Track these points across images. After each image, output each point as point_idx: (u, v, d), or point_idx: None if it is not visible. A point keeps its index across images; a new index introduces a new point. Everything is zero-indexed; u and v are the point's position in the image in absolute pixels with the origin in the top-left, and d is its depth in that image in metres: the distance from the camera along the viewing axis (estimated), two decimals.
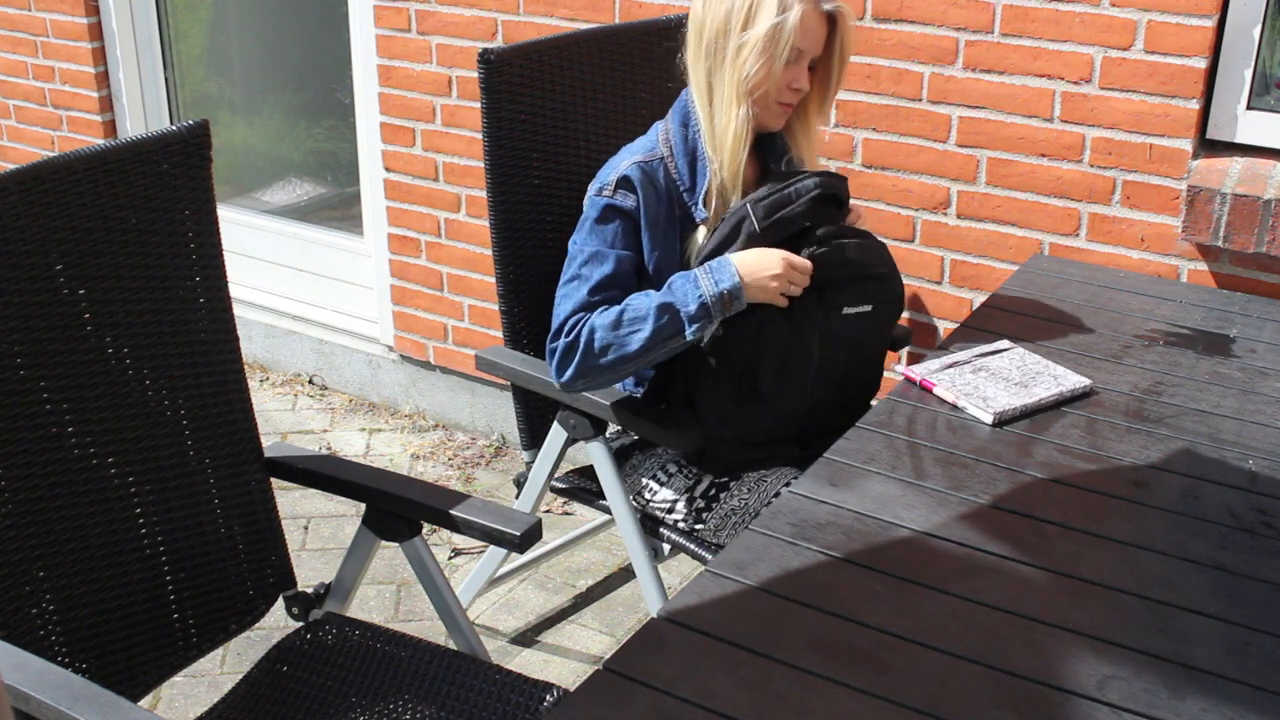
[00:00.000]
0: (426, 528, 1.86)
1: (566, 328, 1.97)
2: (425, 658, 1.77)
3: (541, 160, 2.25)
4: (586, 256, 1.99)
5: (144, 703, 1.74)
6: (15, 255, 1.53)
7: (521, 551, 1.82)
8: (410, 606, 2.74)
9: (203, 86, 3.92)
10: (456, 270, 3.28)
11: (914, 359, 2.63)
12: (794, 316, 1.94)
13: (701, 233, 2.01)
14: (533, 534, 1.73)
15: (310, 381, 3.71)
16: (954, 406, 1.86)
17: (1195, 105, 2.31)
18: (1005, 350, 2.02)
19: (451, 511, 1.75)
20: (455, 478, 3.24)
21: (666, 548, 2.25)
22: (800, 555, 1.49)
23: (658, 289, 1.95)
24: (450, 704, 1.69)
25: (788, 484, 1.89)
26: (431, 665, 1.76)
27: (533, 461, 2.29)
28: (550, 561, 2.86)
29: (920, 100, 2.54)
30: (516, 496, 2.34)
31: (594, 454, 2.15)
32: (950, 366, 1.95)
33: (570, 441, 2.20)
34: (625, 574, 2.85)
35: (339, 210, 3.74)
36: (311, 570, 2.84)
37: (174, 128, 1.70)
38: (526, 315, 2.26)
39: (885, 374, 2.18)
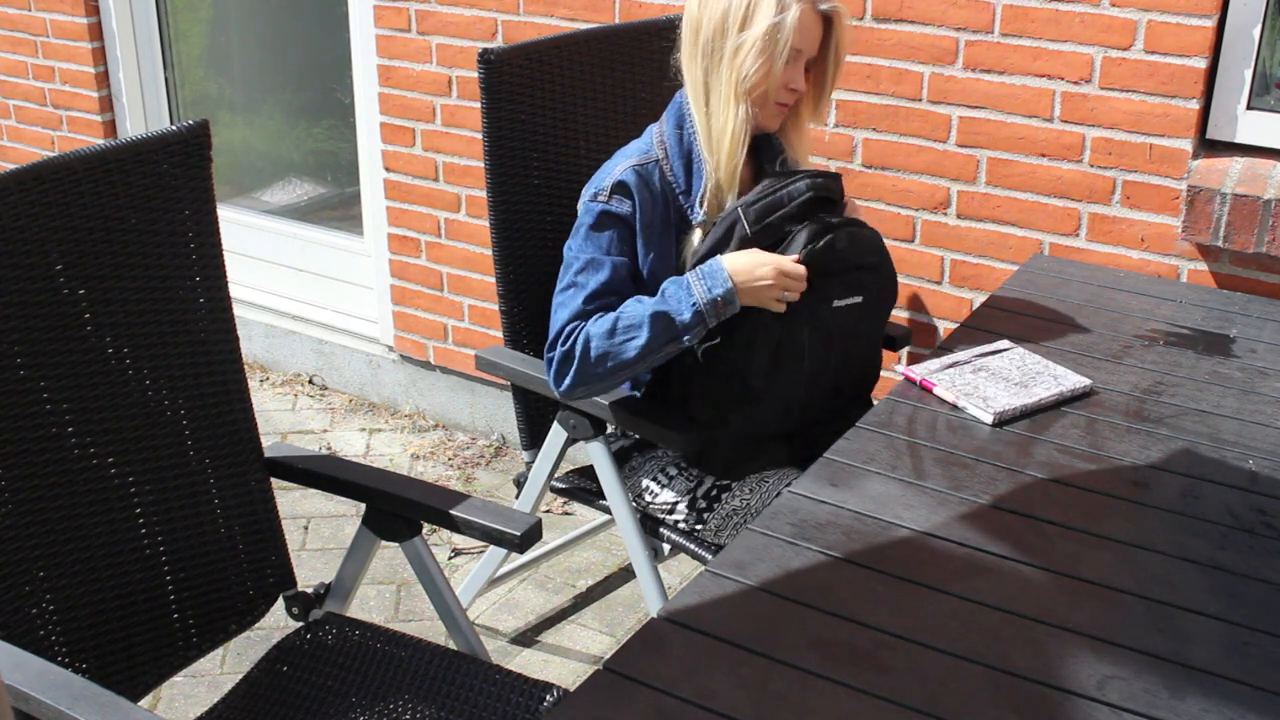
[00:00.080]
0: (426, 528, 1.86)
1: (562, 336, 1.97)
2: (425, 658, 1.77)
3: (541, 160, 2.25)
4: (582, 264, 1.99)
5: (144, 703, 1.74)
6: (15, 255, 1.53)
7: (521, 551, 1.82)
8: (410, 606, 2.74)
9: (203, 86, 3.92)
10: (456, 270, 3.28)
11: (914, 359, 2.63)
12: (783, 313, 1.93)
13: (697, 235, 2.00)
14: (533, 534, 1.73)
15: (310, 381, 3.71)
16: (954, 406, 1.86)
17: (1195, 105, 2.31)
18: (1005, 350, 2.02)
19: (451, 511, 1.75)
20: (455, 478, 3.24)
21: (666, 548, 2.25)
22: (800, 555, 1.49)
23: (653, 294, 1.95)
24: (450, 704, 1.69)
25: (789, 485, 1.89)
26: (431, 665, 1.76)
27: (533, 461, 2.29)
28: (550, 561, 2.86)
29: (920, 100, 2.54)
30: (516, 496, 2.34)
31: (594, 454, 2.15)
32: (950, 366, 1.95)
33: (570, 441, 2.20)
34: (625, 574, 2.85)
35: (339, 210, 3.74)
36: (311, 570, 2.84)
37: (174, 128, 1.70)
38: (526, 315, 2.26)
39: (885, 374, 2.18)
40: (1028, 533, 1.56)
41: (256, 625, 1.85)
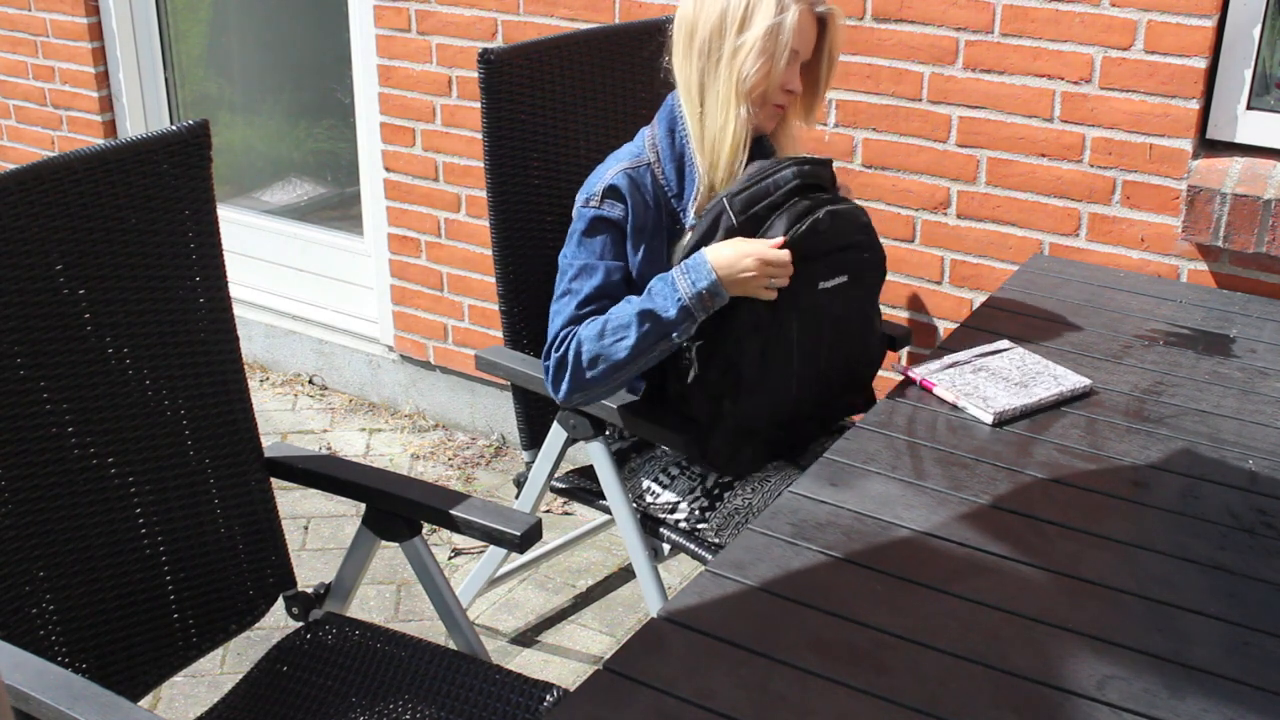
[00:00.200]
0: (426, 528, 1.86)
1: (556, 343, 1.96)
2: (425, 658, 1.77)
3: (541, 160, 2.25)
4: (576, 270, 1.99)
5: (144, 703, 1.74)
6: (15, 255, 1.53)
7: (521, 551, 1.82)
8: (410, 606, 2.74)
9: (203, 86, 3.92)
10: (456, 270, 3.28)
11: (914, 359, 2.63)
12: (766, 303, 1.90)
13: (688, 238, 2.00)
14: (533, 534, 1.73)
15: (310, 381, 3.71)
16: (954, 406, 1.86)
17: (1195, 105, 2.31)
18: (1005, 350, 2.02)
19: (451, 511, 1.75)
20: (455, 478, 3.24)
21: (666, 548, 2.25)
22: (800, 555, 1.49)
23: None
24: (450, 704, 1.69)
25: (790, 484, 1.89)
26: (431, 665, 1.76)
27: (533, 461, 2.29)
28: (550, 561, 2.86)
29: (920, 100, 2.54)
30: (516, 496, 2.34)
31: (594, 454, 2.15)
32: (950, 366, 1.95)
33: (570, 441, 2.20)
34: (625, 574, 2.85)
35: (339, 210, 3.74)
36: (311, 570, 2.84)
37: (174, 128, 1.70)
38: (526, 315, 2.26)
39: (885, 374, 2.18)
40: (1028, 533, 1.56)
41: (256, 625, 1.85)
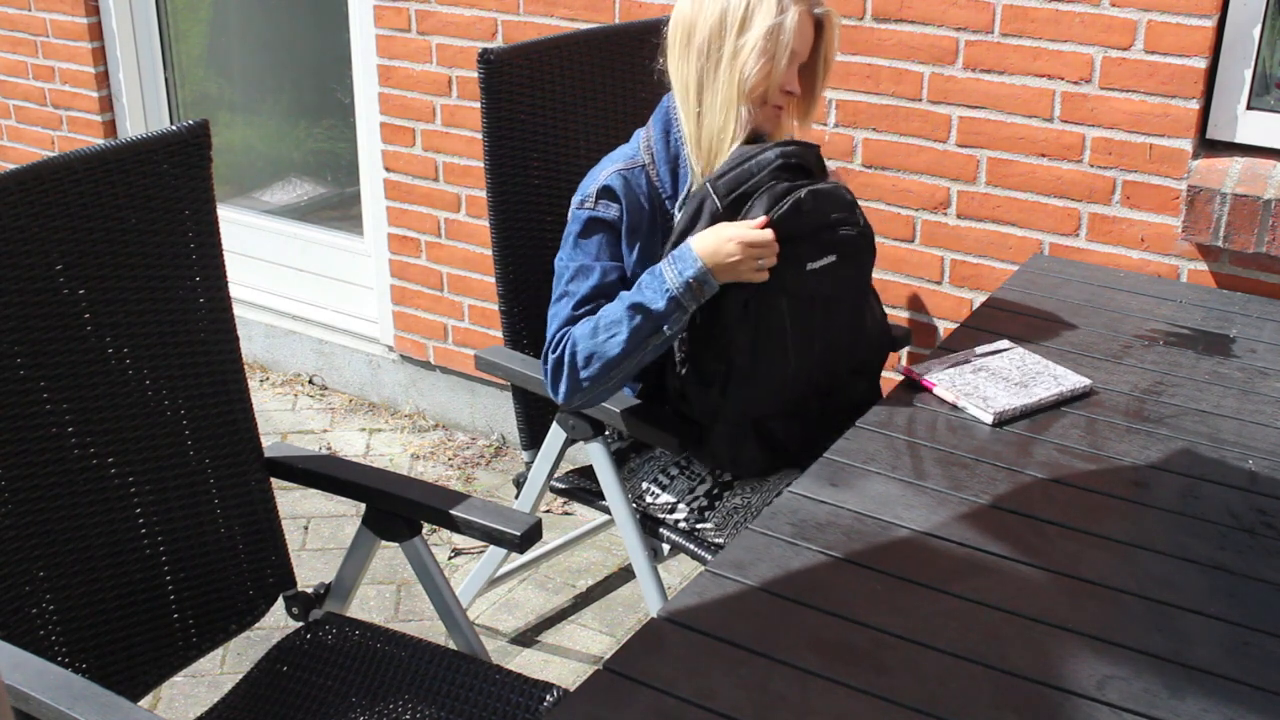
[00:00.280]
0: (426, 528, 1.86)
1: (553, 345, 1.96)
2: (425, 658, 1.77)
3: (541, 160, 2.25)
4: (572, 272, 1.98)
5: (144, 703, 1.74)
6: (15, 255, 1.53)
7: (521, 551, 1.82)
8: (410, 606, 2.74)
9: (203, 86, 3.92)
10: (456, 270, 3.28)
11: (914, 359, 2.63)
12: (754, 288, 1.88)
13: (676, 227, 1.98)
14: (533, 534, 1.73)
15: (310, 381, 3.71)
16: (954, 406, 1.86)
17: (1195, 105, 2.31)
18: (1005, 350, 2.02)
19: (451, 511, 1.75)
20: (455, 478, 3.24)
21: (666, 548, 2.25)
22: (800, 555, 1.49)
23: None
24: (450, 704, 1.69)
25: (788, 484, 1.89)
26: (431, 665, 1.76)
27: (532, 461, 2.29)
28: (550, 561, 2.86)
29: (920, 100, 2.54)
30: (516, 496, 2.34)
31: (593, 454, 2.15)
32: (950, 366, 1.95)
33: (570, 441, 2.20)
34: (625, 574, 2.85)
35: (339, 210, 3.74)
36: (311, 570, 2.84)
37: (174, 128, 1.70)
38: (526, 315, 2.26)
39: (885, 373, 2.17)
40: (1028, 533, 1.56)
41: (256, 625, 1.85)
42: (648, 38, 2.24)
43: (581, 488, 2.30)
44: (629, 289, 1.97)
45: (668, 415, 2.05)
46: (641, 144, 2.03)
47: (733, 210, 1.88)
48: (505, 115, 2.19)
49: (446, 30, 3.06)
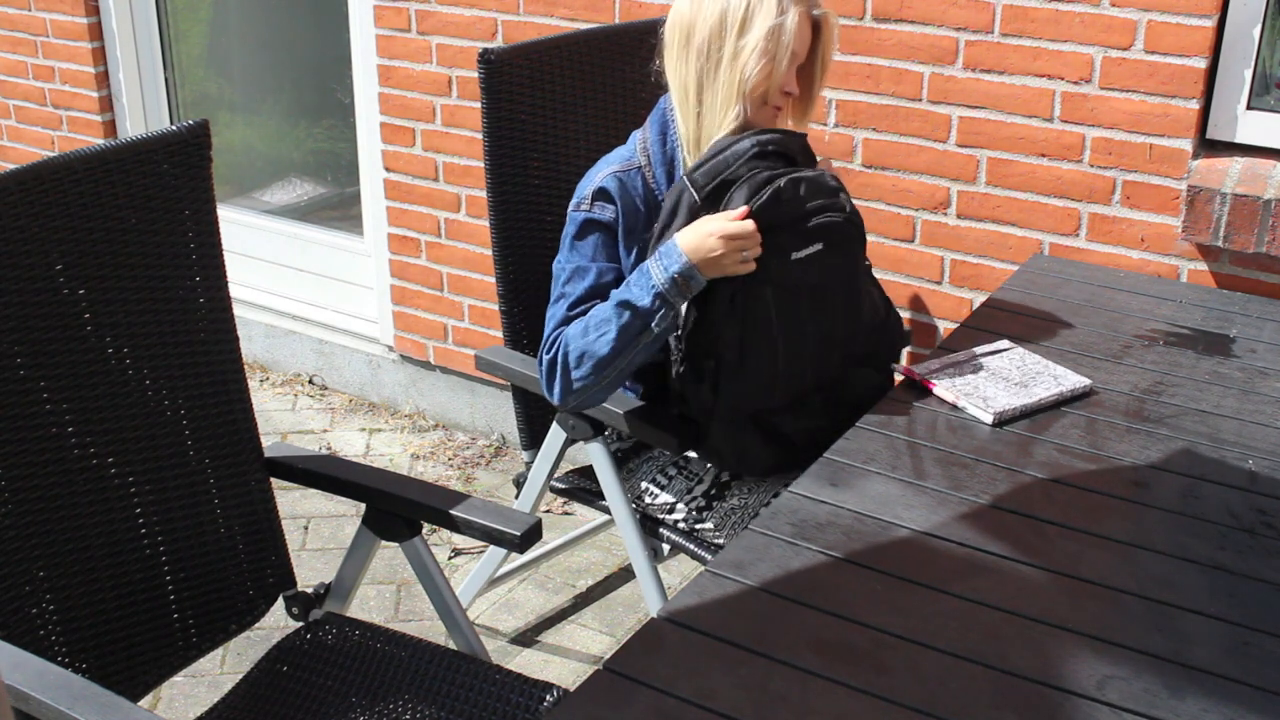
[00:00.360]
0: (426, 528, 1.86)
1: (547, 346, 1.95)
2: (425, 658, 1.77)
3: (541, 160, 2.25)
4: (569, 274, 1.98)
5: (144, 703, 1.74)
6: (15, 255, 1.53)
7: (521, 551, 1.82)
8: (410, 606, 2.74)
9: (203, 86, 3.92)
10: (456, 270, 3.28)
11: (914, 359, 2.63)
12: (739, 281, 1.86)
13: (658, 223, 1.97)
14: (533, 534, 1.72)
15: (310, 381, 3.71)
16: (954, 406, 1.86)
17: (1195, 105, 2.31)
18: (1005, 350, 2.02)
19: (451, 511, 1.75)
20: (455, 478, 3.24)
21: (666, 548, 2.25)
22: (800, 555, 1.49)
23: None
24: (450, 704, 1.69)
25: (786, 484, 1.88)
26: (431, 665, 1.76)
27: (533, 461, 2.29)
28: (550, 561, 2.86)
29: (920, 100, 2.54)
30: (516, 496, 2.34)
31: (593, 454, 2.15)
32: (950, 366, 1.95)
33: (570, 441, 2.20)
34: (625, 574, 2.85)
35: (339, 210, 3.74)
36: (311, 570, 2.84)
37: (174, 128, 1.70)
38: (526, 315, 2.26)
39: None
40: (1028, 533, 1.56)
41: (256, 625, 1.85)
42: (648, 38, 2.24)
43: (581, 488, 2.30)
44: None
45: (667, 415, 2.05)
46: (638, 146, 2.03)
47: (712, 202, 1.87)
48: (505, 115, 2.19)
49: (446, 30, 3.06)
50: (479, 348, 3.01)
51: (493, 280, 2.36)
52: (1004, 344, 2.04)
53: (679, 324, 1.92)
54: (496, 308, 2.40)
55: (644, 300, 1.86)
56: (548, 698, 1.67)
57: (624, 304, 1.88)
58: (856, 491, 1.63)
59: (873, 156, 2.63)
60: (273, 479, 1.86)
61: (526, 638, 2.66)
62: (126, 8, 3.74)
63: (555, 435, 2.21)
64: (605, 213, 1.97)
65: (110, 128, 3.85)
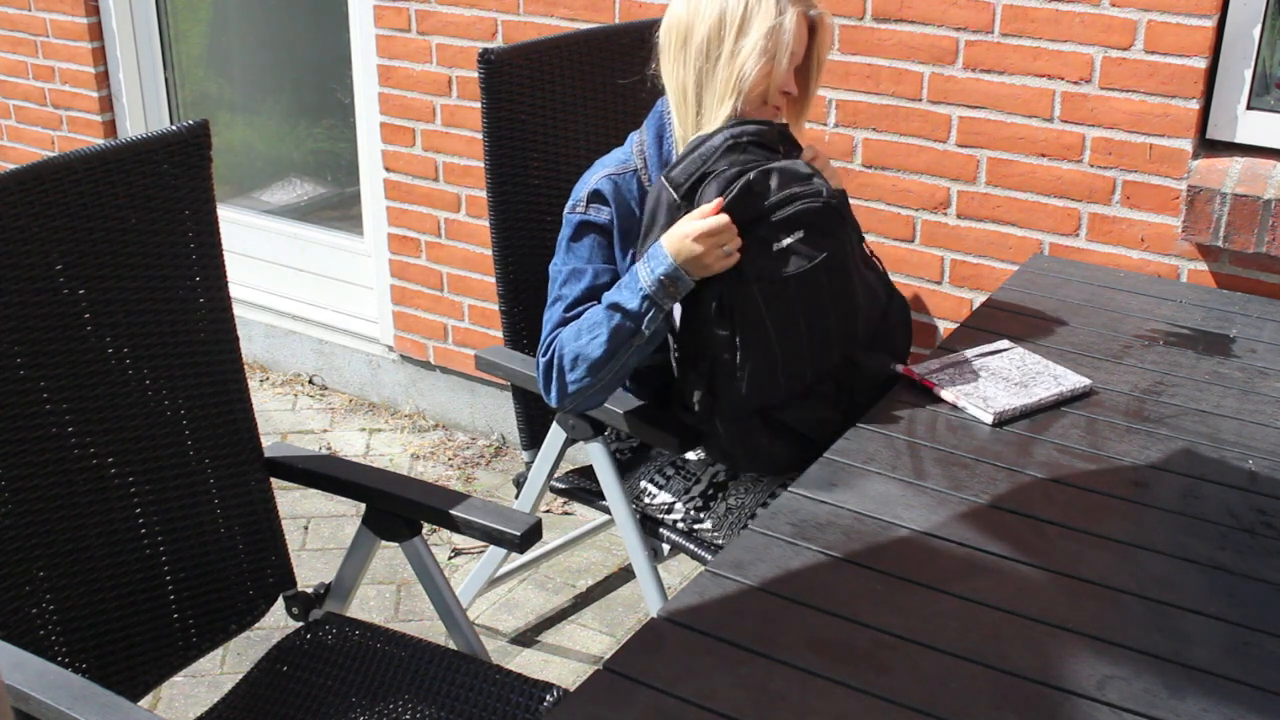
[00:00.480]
0: (426, 528, 1.86)
1: (544, 349, 1.95)
2: (425, 658, 1.77)
3: (541, 160, 2.25)
4: (565, 277, 1.98)
5: (144, 703, 1.74)
6: (15, 255, 1.53)
7: (521, 551, 1.82)
8: (410, 606, 2.74)
9: (203, 86, 3.92)
10: (456, 270, 3.28)
11: (914, 359, 2.63)
12: (726, 280, 1.84)
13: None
14: (533, 534, 1.72)
15: (310, 381, 3.71)
16: (954, 406, 1.86)
17: (1195, 105, 2.31)
18: (1005, 350, 2.02)
19: (451, 511, 1.75)
20: (455, 478, 3.24)
21: (666, 548, 2.25)
22: (800, 555, 1.49)
23: None
24: (450, 704, 1.69)
25: (784, 484, 1.88)
26: (431, 665, 1.76)
27: (533, 461, 2.29)
28: (550, 561, 2.86)
29: (920, 100, 2.54)
30: (516, 496, 2.34)
31: (593, 454, 2.15)
32: (950, 366, 1.95)
33: (570, 441, 2.20)
34: (625, 574, 2.85)
35: (339, 210, 3.74)
36: (311, 570, 2.84)
37: (174, 128, 1.70)
38: (526, 315, 2.26)
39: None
40: (1028, 533, 1.56)
41: (256, 625, 1.85)
42: (648, 38, 2.24)
43: (581, 488, 2.30)
44: None
45: (668, 415, 2.04)
46: (634, 147, 2.03)
47: (691, 199, 1.85)
48: (505, 115, 2.19)
49: (446, 30, 3.06)
50: (479, 348, 3.01)
51: (493, 280, 2.36)
52: (1004, 344, 2.04)
53: (672, 325, 1.92)
54: (496, 308, 2.40)
55: (633, 303, 1.86)
56: (548, 698, 1.67)
57: (614, 306, 1.88)
58: (856, 491, 1.63)
59: (873, 156, 2.63)
60: (273, 479, 1.86)
61: (526, 638, 2.66)
62: (126, 8, 3.74)
63: (555, 435, 2.21)
64: (600, 215, 1.97)
65: (110, 128, 3.85)
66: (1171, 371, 1.99)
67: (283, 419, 3.53)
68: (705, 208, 1.81)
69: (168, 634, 1.73)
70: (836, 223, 1.89)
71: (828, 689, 1.28)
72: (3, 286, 1.52)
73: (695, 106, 1.93)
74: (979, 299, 2.57)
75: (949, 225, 2.59)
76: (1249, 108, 2.35)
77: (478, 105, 2.21)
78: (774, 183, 1.84)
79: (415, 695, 1.71)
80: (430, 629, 2.62)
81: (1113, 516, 1.61)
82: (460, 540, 2.92)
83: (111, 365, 1.66)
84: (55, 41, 3.79)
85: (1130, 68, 2.33)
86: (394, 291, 3.41)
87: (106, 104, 3.83)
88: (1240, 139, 2.37)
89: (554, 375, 1.94)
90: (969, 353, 1.99)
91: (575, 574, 2.87)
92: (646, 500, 2.15)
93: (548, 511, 3.06)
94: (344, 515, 3.05)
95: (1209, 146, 2.40)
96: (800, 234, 1.85)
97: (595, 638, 2.66)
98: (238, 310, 1.83)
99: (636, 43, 2.37)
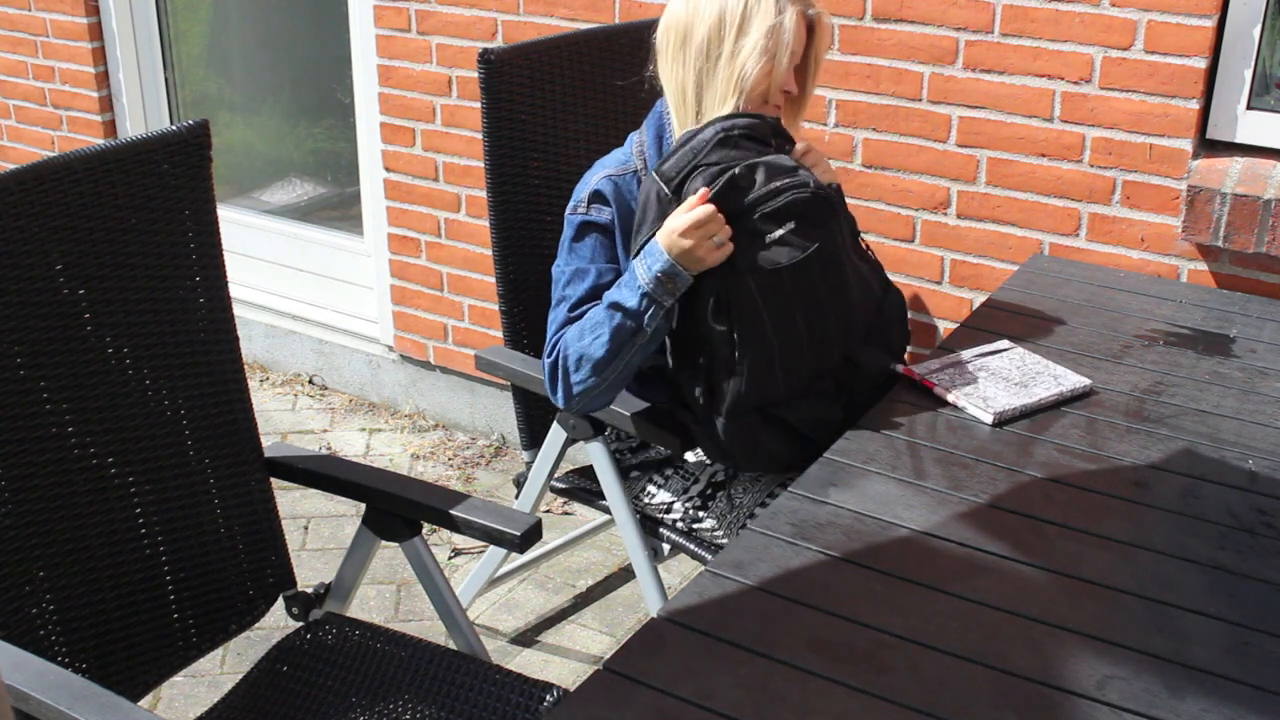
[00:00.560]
0: (426, 528, 1.86)
1: (549, 350, 1.95)
2: (425, 658, 1.77)
3: (541, 160, 2.25)
4: (568, 277, 1.97)
5: (144, 703, 1.74)
6: (15, 255, 1.53)
7: (521, 551, 1.82)
8: (410, 606, 2.74)
9: (203, 86, 3.92)
10: (456, 270, 3.28)
11: (914, 359, 2.63)
12: (720, 275, 1.84)
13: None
14: (533, 534, 1.72)
15: (310, 381, 3.71)
16: (954, 406, 1.86)
17: (1195, 105, 2.31)
18: (1005, 350, 2.02)
19: (451, 511, 1.75)
20: (455, 478, 3.24)
21: (666, 548, 2.25)
22: (800, 555, 1.49)
23: None
24: (450, 704, 1.69)
25: (783, 483, 1.88)
26: (431, 665, 1.76)
27: (533, 461, 2.29)
28: (550, 561, 2.86)
29: (920, 100, 2.54)
30: (516, 496, 2.34)
31: (593, 454, 2.15)
32: (950, 366, 1.95)
33: (570, 441, 2.20)
34: (625, 574, 2.85)
35: (339, 210, 3.74)
36: (311, 570, 2.84)
37: (174, 128, 1.70)
38: (526, 315, 2.26)
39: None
40: (1028, 533, 1.56)
41: (256, 625, 1.85)
42: (647, 38, 2.24)
43: (581, 488, 2.30)
44: None
45: (671, 415, 2.05)
46: (634, 148, 2.03)
47: (680, 194, 1.84)
48: (505, 115, 2.19)
49: (446, 30, 3.06)
50: (479, 348, 3.01)
51: (493, 280, 2.36)
52: (1004, 344, 2.04)
53: (673, 323, 1.91)
54: (496, 308, 2.40)
55: (632, 301, 1.85)
56: (548, 698, 1.67)
57: (615, 305, 1.88)
58: (856, 491, 1.63)
59: (873, 156, 2.63)
60: (273, 479, 1.86)
61: (526, 638, 2.66)
62: (126, 8, 3.74)
63: (555, 435, 2.21)
64: (602, 215, 1.97)
65: (110, 128, 3.85)
66: (1171, 371, 1.99)
67: (283, 419, 3.53)
68: (691, 199, 1.81)
69: (168, 634, 1.73)
70: (827, 213, 1.88)
71: (828, 689, 1.28)
72: (3, 286, 1.52)
73: (695, 106, 1.93)
74: (979, 299, 2.57)
75: (949, 225, 2.59)
76: (1249, 108, 2.35)
77: (478, 105, 2.21)
78: (760, 175, 1.83)
79: (415, 695, 1.71)
80: (430, 629, 2.62)
81: (1113, 516, 1.61)
82: (460, 540, 2.92)
83: (111, 365, 1.66)
84: (55, 41, 3.79)
85: (1130, 68, 2.33)
86: (394, 291, 3.41)
87: (106, 104, 3.83)
88: (1240, 139, 2.37)
89: (559, 376, 1.94)
90: (969, 353, 1.99)
91: (575, 574, 2.87)
92: (646, 500, 2.15)
93: (548, 511, 3.06)
94: (344, 515, 3.05)
95: (1209, 146, 2.40)
96: (791, 225, 1.84)
97: (595, 638, 2.66)
98: (238, 310, 1.83)
99: (636, 43, 2.37)
